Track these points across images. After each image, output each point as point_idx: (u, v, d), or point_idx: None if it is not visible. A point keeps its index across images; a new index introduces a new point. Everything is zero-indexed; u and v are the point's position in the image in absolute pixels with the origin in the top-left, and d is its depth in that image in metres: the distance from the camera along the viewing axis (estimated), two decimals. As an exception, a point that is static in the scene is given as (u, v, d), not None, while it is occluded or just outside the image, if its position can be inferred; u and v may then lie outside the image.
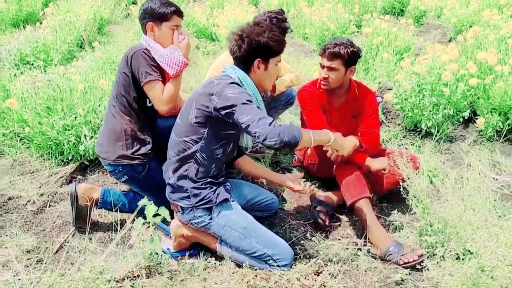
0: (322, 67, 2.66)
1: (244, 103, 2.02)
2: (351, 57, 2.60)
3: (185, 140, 2.19)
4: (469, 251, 2.06)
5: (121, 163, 2.48)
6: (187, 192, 2.21)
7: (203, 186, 2.21)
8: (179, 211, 2.28)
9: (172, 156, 2.26)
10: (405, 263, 2.24)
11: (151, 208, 2.04)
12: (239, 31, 2.19)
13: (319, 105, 2.76)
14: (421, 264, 2.19)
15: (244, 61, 2.20)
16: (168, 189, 2.31)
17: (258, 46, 2.16)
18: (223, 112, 2.06)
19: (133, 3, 9.43)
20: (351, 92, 2.79)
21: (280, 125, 2.03)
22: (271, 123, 1.96)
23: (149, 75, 2.35)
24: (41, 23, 6.27)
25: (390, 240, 2.35)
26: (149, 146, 2.52)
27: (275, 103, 3.27)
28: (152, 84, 2.37)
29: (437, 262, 2.11)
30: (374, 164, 2.62)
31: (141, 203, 2.13)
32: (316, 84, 2.80)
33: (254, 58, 2.19)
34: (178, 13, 2.48)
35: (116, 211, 2.57)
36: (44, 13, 7.24)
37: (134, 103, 2.46)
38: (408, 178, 2.48)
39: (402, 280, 2.17)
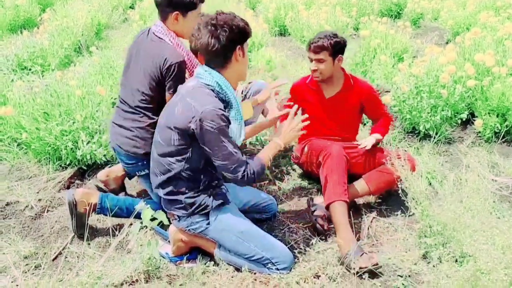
0: (311, 60, 2.85)
1: (222, 142, 2.01)
2: (335, 47, 2.76)
3: (169, 160, 2.12)
4: (468, 253, 2.06)
5: (147, 158, 2.43)
6: (182, 203, 2.17)
7: (196, 194, 2.16)
8: (176, 219, 2.25)
9: (158, 174, 2.19)
10: (361, 268, 2.19)
11: (147, 212, 2.03)
12: (209, 22, 2.01)
13: (301, 100, 2.93)
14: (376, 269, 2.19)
15: (223, 52, 2.04)
16: (162, 200, 2.26)
17: (239, 31, 2.05)
18: (200, 144, 2.06)
19: (130, 7, 9.46)
20: (345, 83, 2.92)
21: (247, 162, 2.12)
22: (243, 175, 2.07)
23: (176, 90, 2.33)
24: (38, 28, 6.28)
25: (352, 244, 2.29)
26: None
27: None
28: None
29: (435, 265, 2.10)
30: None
31: (138, 207, 2.12)
32: (307, 78, 3.00)
33: (236, 46, 2.06)
34: None
35: (114, 216, 2.56)
36: (41, 18, 7.27)
37: (160, 102, 2.43)
38: (406, 180, 2.48)
39: (403, 284, 2.16)
